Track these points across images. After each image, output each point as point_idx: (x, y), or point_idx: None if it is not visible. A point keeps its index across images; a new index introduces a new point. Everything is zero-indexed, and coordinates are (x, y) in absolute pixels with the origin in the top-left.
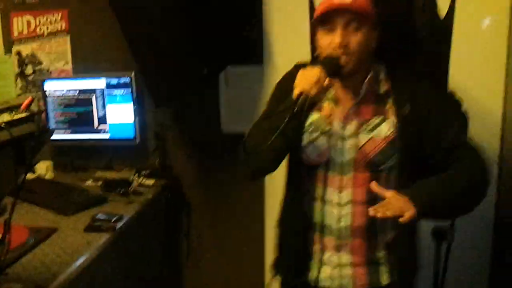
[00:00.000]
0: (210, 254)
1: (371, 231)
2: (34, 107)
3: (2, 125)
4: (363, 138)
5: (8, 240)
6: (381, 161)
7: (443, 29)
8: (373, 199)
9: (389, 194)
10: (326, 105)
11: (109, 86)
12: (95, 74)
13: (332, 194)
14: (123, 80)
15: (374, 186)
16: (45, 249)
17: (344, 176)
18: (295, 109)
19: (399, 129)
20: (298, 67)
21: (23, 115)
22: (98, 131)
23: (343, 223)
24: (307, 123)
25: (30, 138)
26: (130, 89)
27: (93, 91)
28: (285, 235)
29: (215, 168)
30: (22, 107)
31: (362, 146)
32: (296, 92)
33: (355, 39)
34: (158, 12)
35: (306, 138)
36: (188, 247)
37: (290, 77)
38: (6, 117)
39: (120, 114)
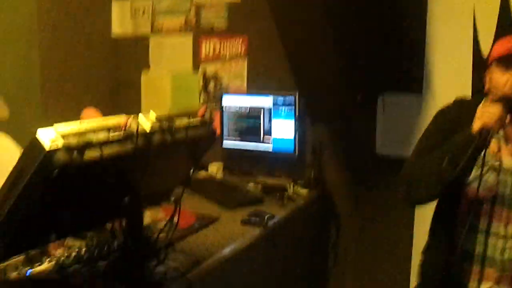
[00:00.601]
0: (354, 269)
1: None
2: (207, 115)
3: (181, 127)
4: None
5: (176, 220)
6: None
7: None
8: None
9: None
10: (494, 141)
11: (275, 103)
12: (265, 92)
13: (498, 227)
14: (288, 99)
15: None
16: (207, 233)
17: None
18: (476, 143)
19: None
20: (457, 102)
21: (198, 120)
22: (263, 142)
23: (507, 255)
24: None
25: (201, 139)
26: (293, 107)
27: (262, 107)
28: (433, 263)
29: (366, 187)
30: (199, 114)
31: None
32: (477, 125)
33: None
34: (319, 43)
35: (473, 173)
36: (334, 258)
37: (449, 111)
38: (185, 120)
39: (283, 129)
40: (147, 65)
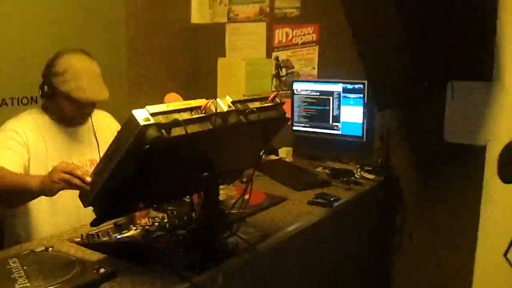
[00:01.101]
0: (418, 254)
1: None
2: (277, 99)
3: (254, 109)
4: None
5: (248, 197)
6: None
7: None
8: None
9: None
10: None
11: (345, 90)
12: (334, 80)
13: None
14: (357, 86)
15: None
16: (276, 211)
17: None
18: None
19: None
20: None
21: (269, 104)
22: (332, 128)
23: None
24: None
25: (272, 121)
26: (362, 95)
27: (331, 93)
28: None
29: (433, 174)
30: (270, 98)
31: None
32: None
33: None
34: (388, 31)
35: None
36: (400, 242)
37: None
38: (257, 104)
39: (351, 115)
40: (223, 52)
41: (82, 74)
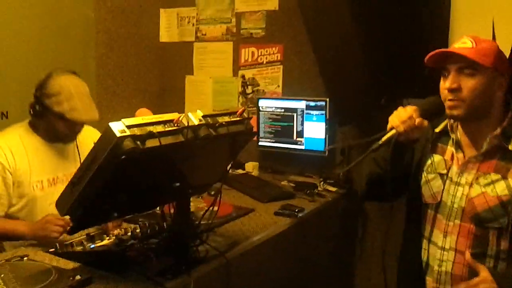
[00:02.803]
0: (379, 264)
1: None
2: (245, 114)
3: (223, 123)
4: (475, 190)
5: (216, 209)
6: (488, 218)
7: None
8: (477, 253)
9: (483, 274)
10: (449, 149)
11: (308, 107)
12: (298, 97)
13: (437, 237)
14: (319, 103)
15: (468, 258)
16: (243, 221)
17: (449, 222)
18: (380, 143)
19: None
20: None
21: (238, 118)
22: (295, 143)
23: (444, 268)
24: (428, 162)
25: (240, 135)
26: (324, 111)
27: (295, 110)
28: (402, 271)
29: None
30: (238, 113)
31: (472, 197)
32: (388, 126)
33: (468, 84)
34: (348, 51)
35: (423, 177)
36: (360, 252)
37: None
38: (226, 118)
39: (314, 131)
40: (191, 70)
41: (75, 96)
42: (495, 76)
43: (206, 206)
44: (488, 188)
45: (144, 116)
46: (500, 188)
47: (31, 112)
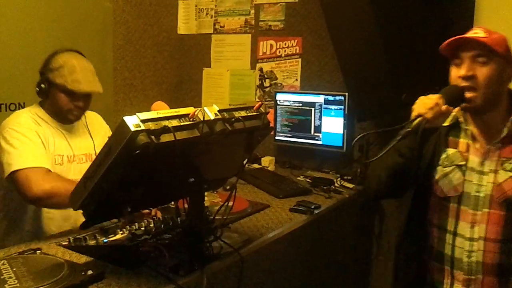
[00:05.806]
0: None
1: (504, 269)
2: (262, 109)
3: (239, 118)
4: (502, 175)
5: (231, 204)
6: None
7: None
8: (508, 239)
9: None
10: (462, 141)
11: (326, 101)
12: (316, 91)
13: (464, 229)
14: (338, 98)
15: None
16: (259, 217)
17: (477, 212)
18: (409, 129)
19: None
20: None
21: (254, 113)
22: (313, 138)
23: (474, 258)
24: (443, 156)
25: (257, 130)
26: (342, 106)
27: (313, 104)
28: (405, 262)
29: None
30: (255, 108)
31: (500, 183)
32: (413, 114)
33: (483, 72)
34: (368, 45)
35: (440, 171)
36: (377, 249)
37: None
38: (243, 113)
39: (332, 126)
40: (208, 63)
41: (77, 69)
42: (505, 66)
43: (221, 201)
44: None
45: (159, 110)
46: None
47: (37, 90)
